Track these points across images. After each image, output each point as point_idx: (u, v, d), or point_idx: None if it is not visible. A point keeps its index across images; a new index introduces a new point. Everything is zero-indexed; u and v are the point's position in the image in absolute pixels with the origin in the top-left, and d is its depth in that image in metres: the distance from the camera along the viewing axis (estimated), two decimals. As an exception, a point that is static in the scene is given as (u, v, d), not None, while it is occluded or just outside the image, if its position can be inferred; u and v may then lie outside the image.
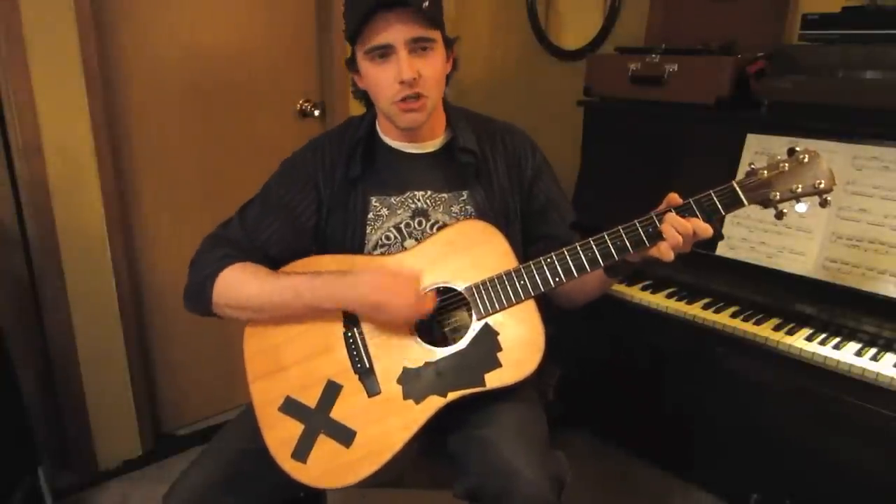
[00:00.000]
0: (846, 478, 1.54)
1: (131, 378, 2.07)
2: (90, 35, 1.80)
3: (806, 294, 1.50)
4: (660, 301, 1.64)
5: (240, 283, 1.17)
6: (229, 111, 2.18)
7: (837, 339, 1.41)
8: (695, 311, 1.58)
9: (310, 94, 2.36)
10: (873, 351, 1.36)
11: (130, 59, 1.96)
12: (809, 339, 1.42)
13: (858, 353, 1.36)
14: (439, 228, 1.24)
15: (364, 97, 1.25)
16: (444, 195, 1.27)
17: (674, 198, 1.07)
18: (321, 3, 2.29)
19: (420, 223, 1.26)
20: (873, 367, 1.31)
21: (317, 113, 2.35)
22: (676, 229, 1.03)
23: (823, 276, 1.48)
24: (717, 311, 1.56)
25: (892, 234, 1.41)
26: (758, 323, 1.50)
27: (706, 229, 1.04)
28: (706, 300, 1.62)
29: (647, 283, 1.72)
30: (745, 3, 1.92)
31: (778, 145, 1.58)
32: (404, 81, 1.12)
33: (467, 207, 1.26)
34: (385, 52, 1.12)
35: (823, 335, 1.43)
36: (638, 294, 1.68)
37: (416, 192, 1.26)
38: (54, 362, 1.91)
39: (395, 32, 1.10)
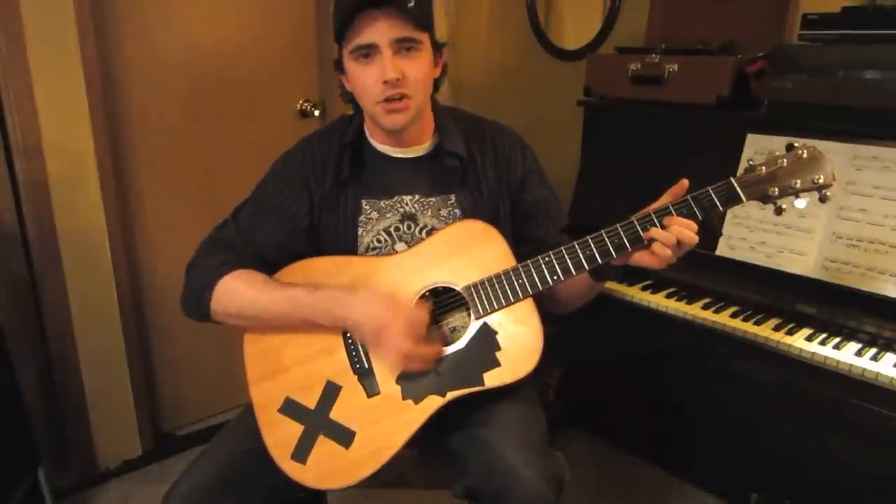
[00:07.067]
0: (846, 478, 1.54)
1: (131, 378, 2.07)
2: (90, 35, 1.80)
3: (806, 294, 1.49)
4: (660, 301, 1.64)
5: (238, 293, 1.16)
6: (229, 111, 2.18)
7: (837, 339, 1.41)
8: (695, 311, 1.58)
9: (310, 94, 2.36)
10: (873, 351, 1.36)
11: (130, 58, 1.96)
12: (809, 339, 1.42)
13: (858, 353, 1.36)
14: (429, 233, 1.23)
15: (352, 100, 1.23)
16: (433, 199, 1.26)
17: (681, 186, 1.07)
18: (321, 4, 2.28)
19: (409, 227, 1.25)
20: (873, 367, 1.31)
21: (317, 113, 2.35)
22: (661, 242, 1.03)
23: (823, 276, 1.48)
24: (717, 311, 1.56)
25: (892, 234, 1.41)
26: (758, 323, 1.50)
27: (690, 237, 1.03)
28: (706, 300, 1.62)
29: (647, 283, 1.72)
30: (745, 3, 1.91)
31: (778, 145, 1.56)
32: (388, 81, 1.11)
33: (455, 211, 1.26)
34: (369, 51, 1.11)
35: (823, 335, 1.43)
36: (638, 294, 1.68)
37: (404, 197, 1.25)
38: (54, 362, 1.91)
39: (380, 32, 1.09)
